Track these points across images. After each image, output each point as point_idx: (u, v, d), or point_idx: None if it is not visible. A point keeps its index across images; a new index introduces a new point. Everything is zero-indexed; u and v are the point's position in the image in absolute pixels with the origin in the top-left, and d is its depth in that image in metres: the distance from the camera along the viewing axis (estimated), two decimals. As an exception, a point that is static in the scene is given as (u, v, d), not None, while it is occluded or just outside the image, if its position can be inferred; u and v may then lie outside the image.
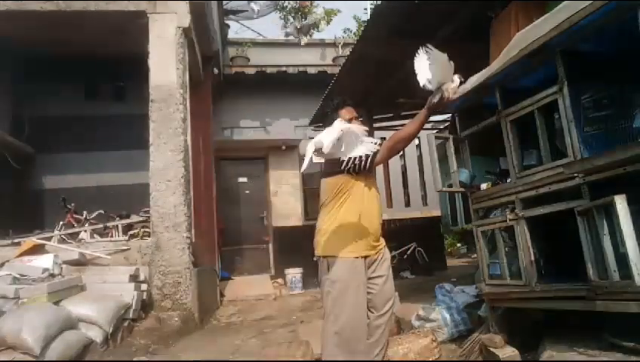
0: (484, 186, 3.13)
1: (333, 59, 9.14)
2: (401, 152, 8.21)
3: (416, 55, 2.22)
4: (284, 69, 8.44)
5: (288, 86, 8.55)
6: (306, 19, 11.49)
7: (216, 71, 7.59)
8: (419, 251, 8.46)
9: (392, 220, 8.44)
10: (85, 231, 5.59)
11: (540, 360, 2.40)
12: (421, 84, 2.18)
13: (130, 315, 4.12)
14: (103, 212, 5.98)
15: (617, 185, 2.03)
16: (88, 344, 3.54)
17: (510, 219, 2.78)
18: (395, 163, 9.31)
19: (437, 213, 9.73)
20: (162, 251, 4.75)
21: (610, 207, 2.00)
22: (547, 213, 2.56)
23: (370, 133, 6.83)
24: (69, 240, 5.31)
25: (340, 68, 5.74)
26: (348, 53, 5.47)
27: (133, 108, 6.57)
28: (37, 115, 7.00)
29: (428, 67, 2.15)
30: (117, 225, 5.72)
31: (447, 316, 3.44)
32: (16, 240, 4.99)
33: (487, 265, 3.09)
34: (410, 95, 5.67)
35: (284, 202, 8.52)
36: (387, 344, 2.47)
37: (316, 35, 11.71)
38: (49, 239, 5.11)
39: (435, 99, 2.16)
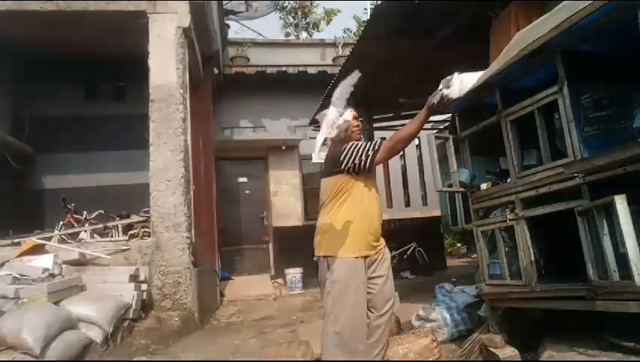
0: (484, 186, 3.13)
1: (333, 59, 9.14)
2: (401, 152, 8.21)
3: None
4: (284, 69, 8.44)
5: (288, 86, 8.56)
6: (306, 19, 11.50)
7: (216, 71, 7.59)
8: (419, 251, 8.46)
9: (392, 220, 8.45)
10: (85, 231, 5.59)
11: (540, 360, 2.40)
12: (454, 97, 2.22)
13: (130, 315, 4.12)
14: (103, 212, 5.98)
15: (617, 185, 2.03)
16: (88, 344, 3.54)
17: (510, 219, 2.77)
18: (395, 163, 9.32)
19: (437, 213, 9.73)
20: (162, 251, 4.75)
21: (610, 207, 1.99)
22: (547, 213, 2.56)
23: (371, 133, 6.84)
24: (69, 240, 5.31)
25: (339, 68, 5.74)
26: (348, 53, 5.48)
27: (133, 108, 6.57)
28: (37, 115, 7.00)
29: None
30: (117, 225, 5.72)
31: (447, 316, 3.44)
32: (16, 240, 4.99)
33: (487, 265, 3.09)
34: (410, 95, 5.67)
35: (284, 202, 8.53)
36: (387, 344, 2.47)
37: (316, 35, 11.73)
38: (49, 239, 5.11)
39: (435, 99, 2.17)
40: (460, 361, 3.03)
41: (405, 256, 8.34)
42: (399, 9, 3.91)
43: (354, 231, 2.32)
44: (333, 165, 2.35)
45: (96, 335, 3.64)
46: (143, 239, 5.12)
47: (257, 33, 11.47)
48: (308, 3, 11.82)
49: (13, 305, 3.56)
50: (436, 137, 3.34)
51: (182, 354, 3.78)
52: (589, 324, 2.40)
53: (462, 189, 3.25)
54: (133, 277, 4.33)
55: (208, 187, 6.85)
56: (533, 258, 2.64)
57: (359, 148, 2.28)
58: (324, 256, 2.33)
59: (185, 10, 5.31)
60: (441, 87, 2.22)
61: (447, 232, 12.10)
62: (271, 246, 8.43)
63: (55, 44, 6.16)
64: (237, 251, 8.29)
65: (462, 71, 2.40)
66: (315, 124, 7.01)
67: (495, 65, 2.80)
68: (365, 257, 2.35)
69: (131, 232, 5.44)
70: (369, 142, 2.32)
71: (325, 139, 2.45)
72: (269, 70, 8.40)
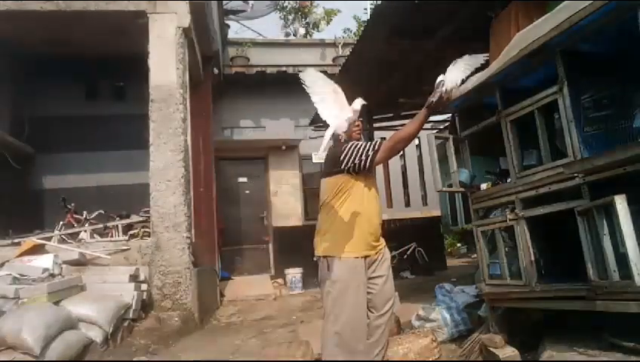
0: (484, 186, 3.13)
1: (333, 59, 9.14)
2: (401, 152, 8.21)
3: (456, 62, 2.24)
4: (284, 69, 8.44)
5: (288, 86, 8.51)
6: (306, 19, 11.50)
7: (216, 71, 7.59)
8: (419, 251, 8.46)
9: (392, 220, 8.44)
10: (85, 231, 5.59)
11: (540, 360, 2.40)
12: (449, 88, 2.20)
13: (130, 315, 4.12)
14: (103, 212, 5.98)
15: (617, 185, 2.03)
16: (88, 344, 3.54)
17: (510, 219, 2.78)
18: (395, 163, 9.31)
19: (437, 213, 9.73)
20: (162, 251, 4.75)
21: (610, 207, 2.00)
22: (547, 213, 2.56)
23: (371, 133, 6.83)
24: (69, 240, 5.31)
25: (340, 68, 5.74)
26: (348, 53, 5.48)
27: (133, 108, 6.57)
28: (37, 115, 7.00)
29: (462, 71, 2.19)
30: (117, 225, 5.72)
31: (447, 316, 3.44)
32: (16, 240, 4.99)
33: (487, 265, 3.09)
34: (410, 95, 5.67)
35: (284, 202, 8.53)
36: (387, 344, 2.47)
37: (316, 35, 11.72)
38: (49, 239, 5.11)
39: (435, 99, 2.16)
40: (459, 361, 3.03)
41: (405, 256, 8.34)
42: (399, 9, 3.91)
43: (354, 231, 2.32)
44: (333, 165, 2.35)
45: (96, 335, 3.64)
46: (143, 239, 5.12)
47: (257, 33, 11.48)
48: (308, 3, 11.82)
49: (13, 305, 3.56)
50: (436, 137, 3.34)
51: (182, 354, 3.78)
52: (589, 324, 2.40)
53: (462, 189, 3.25)
54: (133, 277, 4.33)
55: (208, 187, 6.84)
56: (533, 258, 2.64)
57: (359, 148, 2.28)
58: (324, 256, 2.33)
59: (185, 10, 5.31)
60: (439, 80, 2.20)
61: (447, 232, 12.10)
62: (271, 246, 8.43)
63: (55, 44, 6.16)
64: (237, 251, 8.29)
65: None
66: (315, 124, 7.02)
67: (495, 66, 2.80)
68: (365, 257, 2.35)
69: (131, 232, 5.44)
70: (369, 142, 2.32)
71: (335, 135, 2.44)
72: (269, 70, 8.40)
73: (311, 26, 11.95)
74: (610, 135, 2.34)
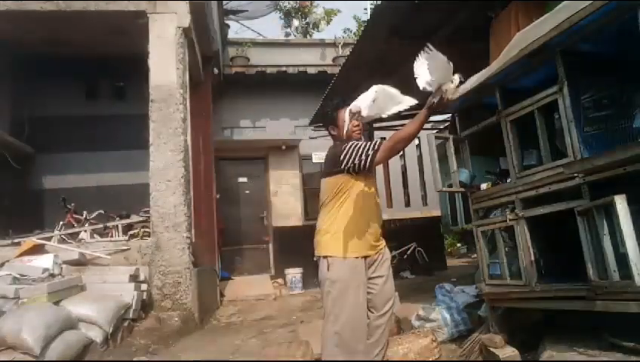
0: (484, 186, 3.13)
1: (333, 59, 9.14)
2: (401, 152, 8.21)
3: (417, 58, 2.22)
4: (284, 69, 8.44)
5: (288, 86, 8.55)
6: (306, 19, 11.51)
7: (216, 71, 7.59)
8: (419, 251, 8.46)
9: (392, 220, 8.44)
10: (85, 231, 5.59)
11: (540, 360, 2.40)
12: (421, 87, 2.19)
13: (130, 315, 4.12)
14: (103, 212, 5.98)
15: (617, 185, 2.03)
16: (88, 344, 3.54)
17: (510, 219, 2.78)
18: (395, 163, 9.31)
19: (437, 213, 9.73)
20: (162, 251, 4.75)
21: (610, 207, 2.00)
22: (547, 213, 2.56)
23: (371, 133, 6.82)
24: (69, 240, 5.31)
25: (340, 68, 5.74)
26: (348, 53, 5.47)
27: (133, 108, 6.57)
28: (37, 115, 7.00)
29: (427, 69, 2.15)
30: (117, 225, 5.73)
31: (447, 316, 3.44)
32: (16, 240, 4.99)
33: (487, 265, 3.09)
34: (410, 95, 5.66)
35: (284, 202, 8.52)
36: (387, 344, 2.47)
37: (316, 35, 11.72)
38: (49, 239, 5.11)
39: (435, 99, 2.16)
40: (459, 361, 3.04)
41: (405, 256, 8.34)
42: (399, 9, 3.91)
43: (354, 231, 2.32)
44: (333, 165, 2.35)
45: (96, 335, 3.64)
46: (143, 239, 5.12)
47: (257, 33, 11.50)
48: (308, 3, 11.83)
49: (13, 305, 3.55)
50: (436, 137, 3.34)
51: (182, 354, 3.78)
52: (589, 324, 2.40)
53: (462, 189, 3.25)
54: (133, 277, 4.33)
55: (208, 187, 6.85)
56: (533, 258, 2.64)
57: (359, 147, 2.28)
58: (325, 256, 2.33)
59: (185, 10, 5.31)
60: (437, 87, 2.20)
61: (447, 232, 12.10)
62: (271, 246, 8.43)
63: (55, 44, 6.16)
64: (237, 251, 8.28)
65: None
66: (315, 124, 7.01)
67: (495, 66, 2.80)
68: (365, 257, 2.35)
69: (131, 232, 5.44)
70: (369, 142, 2.31)
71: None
72: (269, 70, 8.40)
73: (311, 25, 11.95)
74: (610, 135, 2.34)
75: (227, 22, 10.09)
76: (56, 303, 3.67)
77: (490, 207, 3.11)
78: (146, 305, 4.46)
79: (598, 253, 2.15)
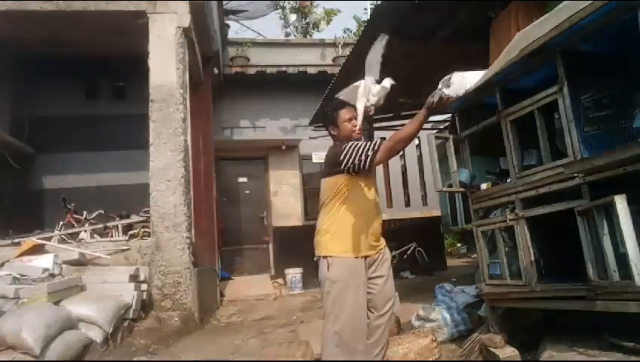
0: (484, 186, 3.13)
1: (333, 59, 9.14)
2: (401, 152, 8.21)
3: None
4: (284, 69, 8.44)
5: (288, 86, 8.55)
6: (306, 19, 11.51)
7: (216, 71, 7.60)
8: (419, 251, 8.46)
9: (392, 220, 8.44)
10: (85, 231, 5.59)
11: (540, 360, 2.40)
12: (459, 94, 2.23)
13: (130, 315, 4.12)
14: (103, 212, 5.98)
15: (617, 185, 2.03)
16: (88, 344, 3.54)
17: (510, 219, 2.77)
18: (395, 163, 9.31)
19: (437, 213, 9.73)
20: (162, 251, 4.75)
21: (610, 207, 1.99)
22: (547, 213, 2.56)
23: (371, 133, 6.82)
24: (69, 240, 5.31)
25: (339, 68, 5.74)
26: (348, 53, 5.47)
27: (133, 108, 6.57)
28: (37, 115, 7.00)
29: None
30: (117, 225, 5.73)
31: (447, 316, 3.44)
32: (16, 240, 4.99)
33: (487, 265, 3.09)
34: (410, 95, 5.67)
35: (284, 202, 8.53)
36: (387, 344, 2.47)
37: (316, 35, 11.72)
38: (49, 239, 5.12)
39: (435, 99, 2.16)
40: (459, 361, 3.03)
41: (405, 256, 8.34)
42: (399, 9, 3.91)
43: (354, 231, 2.32)
44: (333, 165, 2.35)
45: (96, 335, 3.64)
46: (143, 239, 5.12)
47: (257, 33, 11.50)
48: (308, 3, 11.83)
49: (13, 305, 3.55)
50: (436, 137, 3.34)
51: (182, 354, 3.78)
52: (589, 324, 2.40)
53: (462, 189, 3.25)
54: (133, 277, 4.33)
55: (208, 187, 6.85)
56: (533, 258, 2.64)
57: (359, 148, 2.28)
58: (324, 256, 2.33)
59: (185, 10, 5.31)
60: (440, 86, 2.21)
61: (447, 232, 12.10)
62: (271, 246, 8.43)
63: (55, 44, 6.16)
64: (237, 251, 8.29)
65: (461, 70, 2.39)
66: (315, 124, 7.01)
67: (495, 66, 2.80)
68: (365, 257, 2.35)
69: (131, 232, 5.44)
70: (369, 142, 2.31)
71: (369, 109, 2.47)
72: (269, 70, 8.40)
73: (311, 25, 11.95)
74: (610, 135, 2.34)
75: (227, 22, 10.09)
76: (56, 303, 3.67)
77: (490, 207, 3.11)
78: (146, 305, 4.46)
79: (598, 253, 2.15)
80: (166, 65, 5.14)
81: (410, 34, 4.36)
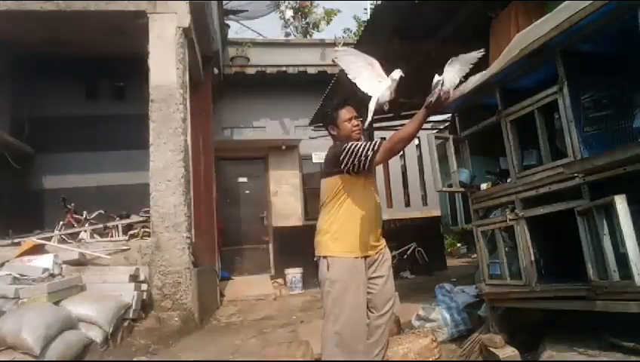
0: (484, 186, 3.13)
1: (333, 60, 9.13)
2: (401, 152, 8.21)
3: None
4: (284, 69, 8.44)
5: (288, 86, 8.55)
6: (306, 19, 11.50)
7: (216, 71, 7.59)
8: (419, 251, 8.46)
9: (392, 220, 8.45)
10: (85, 231, 5.59)
11: (540, 360, 2.40)
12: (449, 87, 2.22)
13: (130, 315, 4.12)
14: (103, 212, 5.98)
15: (617, 185, 2.03)
16: (88, 344, 3.54)
17: (510, 219, 2.78)
18: (395, 163, 9.32)
19: (437, 213, 9.73)
20: (162, 251, 4.75)
21: (610, 207, 2.00)
22: (547, 213, 2.56)
23: (371, 133, 6.81)
24: (69, 240, 5.31)
25: (340, 68, 5.73)
26: (348, 53, 5.45)
27: (133, 108, 6.57)
28: (37, 115, 7.00)
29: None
30: (117, 225, 5.73)
31: (447, 316, 3.44)
32: (16, 240, 4.99)
33: (487, 265, 3.09)
34: (410, 95, 5.67)
35: (284, 202, 8.53)
36: (387, 344, 2.47)
37: (316, 35, 11.72)
38: (49, 239, 5.11)
39: (433, 99, 2.16)
40: (459, 361, 3.03)
41: (405, 256, 8.34)
42: (399, 9, 3.91)
43: (354, 231, 2.32)
44: (333, 165, 2.35)
45: (96, 335, 3.64)
46: (143, 239, 5.12)
47: (257, 33, 11.49)
48: (308, 3, 11.82)
49: (13, 305, 3.55)
50: (436, 137, 3.34)
51: (182, 354, 3.78)
52: (589, 324, 2.40)
53: (462, 189, 3.25)
54: (133, 277, 4.33)
55: (208, 187, 6.85)
56: (533, 258, 2.64)
57: (358, 148, 2.28)
58: (324, 256, 2.33)
59: (185, 10, 5.31)
60: (436, 80, 2.20)
61: (447, 232, 12.11)
62: (271, 246, 8.43)
63: (55, 44, 6.16)
64: (237, 251, 8.28)
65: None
66: (315, 124, 7.01)
67: (495, 66, 2.80)
68: (365, 257, 2.35)
69: (131, 232, 5.44)
70: (368, 143, 2.31)
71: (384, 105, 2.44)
72: (269, 70, 8.40)
73: (311, 25, 11.94)
74: (610, 135, 2.34)
75: (227, 22, 10.09)
76: (56, 303, 3.67)
77: (490, 207, 3.11)
78: (146, 305, 4.46)
79: (598, 253, 2.15)
80: (166, 65, 5.14)
81: (410, 34, 4.36)
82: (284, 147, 8.52)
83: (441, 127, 7.32)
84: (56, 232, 5.47)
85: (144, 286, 4.48)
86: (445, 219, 12.44)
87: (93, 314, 3.69)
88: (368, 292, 2.34)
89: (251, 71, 8.45)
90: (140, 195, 5.44)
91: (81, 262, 4.52)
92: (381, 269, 2.42)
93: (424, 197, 9.76)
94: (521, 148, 2.83)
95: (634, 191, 1.97)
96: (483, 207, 3.16)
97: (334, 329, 2.22)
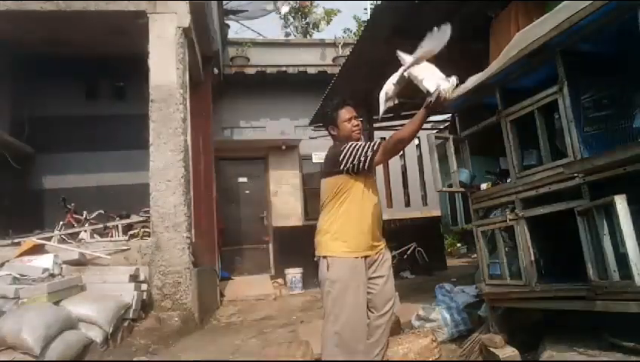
0: (484, 186, 3.13)
1: (333, 59, 9.14)
2: (401, 152, 8.21)
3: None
4: (284, 69, 8.44)
5: (288, 86, 8.56)
6: (306, 19, 11.50)
7: (216, 71, 7.60)
8: (419, 251, 8.46)
9: (392, 220, 8.45)
10: (85, 231, 5.59)
11: (540, 360, 2.40)
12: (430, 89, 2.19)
13: (130, 315, 4.12)
14: (103, 212, 5.98)
15: (617, 185, 2.03)
16: (88, 344, 3.54)
17: (510, 219, 2.77)
18: (395, 163, 9.32)
19: (437, 213, 9.73)
20: (162, 251, 4.75)
21: (610, 207, 1.99)
22: (547, 213, 2.56)
23: (370, 133, 6.82)
24: (69, 240, 5.31)
25: (340, 68, 5.74)
26: (348, 53, 5.47)
27: (133, 108, 6.57)
28: (37, 115, 7.00)
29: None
30: (117, 225, 5.73)
31: (447, 316, 3.44)
32: (16, 240, 4.99)
33: (487, 265, 3.09)
34: (410, 95, 5.67)
35: (284, 202, 8.53)
36: (387, 344, 2.47)
37: (316, 35, 11.72)
38: (49, 239, 5.12)
39: (433, 99, 2.16)
40: (459, 361, 3.03)
41: (405, 256, 8.34)
42: (399, 9, 3.91)
43: (354, 231, 2.32)
44: (333, 165, 2.35)
45: (96, 335, 3.64)
46: (143, 239, 5.12)
47: (257, 33, 11.49)
48: (308, 3, 11.83)
49: (13, 305, 3.55)
50: (436, 137, 3.34)
51: (182, 354, 3.78)
52: (589, 324, 2.40)
53: (462, 189, 3.25)
54: (133, 277, 4.33)
55: (208, 187, 6.85)
56: (533, 258, 2.64)
57: (358, 148, 2.28)
58: (324, 256, 2.33)
59: (185, 10, 5.31)
60: (433, 86, 2.20)
61: (447, 232, 12.11)
62: (271, 246, 8.43)
63: (55, 44, 6.16)
64: (237, 251, 8.29)
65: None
66: (315, 124, 7.01)
67: (495, 66, 2.80)
68: (365, 257, 2.35)
69: (131, 232, 5.44)
70: (368, 143, 2.31)
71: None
72: (269, 70, 8.40)
73: (311, 25, 11.94)
74: (610, 135, 2.34)
75: (227, 22, 10.09)
76: (56, 303, 3.67)
77: (490, 207, 3.11)
78: (146, 305, 4.46)
79: (598, 253, 2.15)
80: (166, 65, 5.14)
81: (410, 34, 4.36)
82: (284, 147, 8.52)
83: (441, 127, 7.32)
84: (56, 232, 5.47)
85: (144, 286, 4.48)
86: (445, 219, 12.45)
87: (93, 314, 3.69)
88: (368, 293, 2.34)
89: (251, 71, 8.45)
90: (140, 195, 5.44)
91: (81, 262, 4.52)
92: (381, 269, 2.42)
93: (424, 197, 9.76)
94: (521, 148, 2.82)
95: (634, 191, 1.96)
96: (483, 207, 3.16)
97: (334, 329, 2.22)
